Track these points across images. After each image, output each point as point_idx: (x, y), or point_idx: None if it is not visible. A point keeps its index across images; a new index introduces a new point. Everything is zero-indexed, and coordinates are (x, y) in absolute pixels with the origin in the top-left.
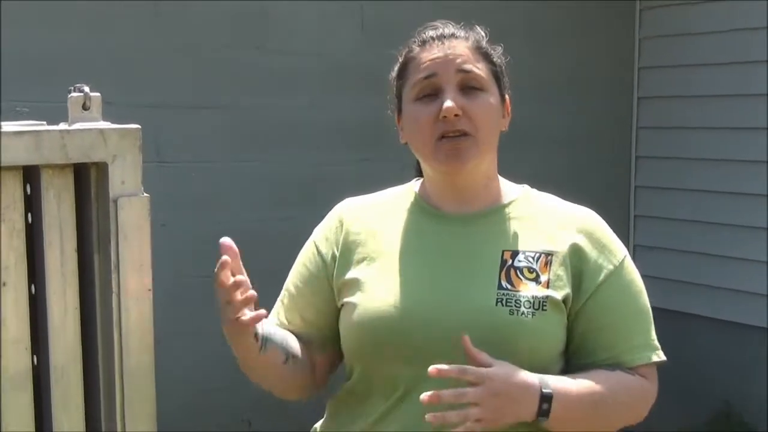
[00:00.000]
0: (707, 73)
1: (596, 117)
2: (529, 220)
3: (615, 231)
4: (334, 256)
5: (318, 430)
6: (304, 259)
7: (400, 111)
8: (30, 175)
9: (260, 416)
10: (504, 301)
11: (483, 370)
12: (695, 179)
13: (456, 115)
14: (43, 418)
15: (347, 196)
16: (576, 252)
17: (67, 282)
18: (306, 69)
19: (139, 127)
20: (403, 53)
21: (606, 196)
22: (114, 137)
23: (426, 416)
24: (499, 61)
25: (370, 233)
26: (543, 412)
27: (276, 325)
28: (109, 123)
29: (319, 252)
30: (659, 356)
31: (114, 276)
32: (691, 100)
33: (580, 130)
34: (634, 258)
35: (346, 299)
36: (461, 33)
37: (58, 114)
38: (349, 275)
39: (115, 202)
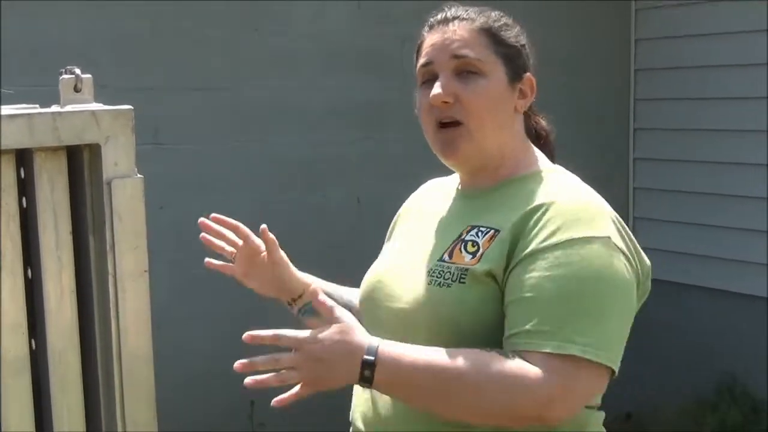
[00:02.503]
0: (704, 44)
1: (594, 90)
2: (509, 198)
3: (613, 205)
4: (390, 233)
5: None
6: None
7: None
8: (23, 158)
9: (263, 396)
10: (433, 272)
11: (301, 334)
12: (695, 151)
13: (446, 102)
14: (41, 402)
15: (346, 178)
16: (521, 223)
17: (63, 265)
18: (305, 50)
19: (132, 108)
20: (420, 35)
21: (605, 168)
22: (106, 119)
23: (245, 381)
24: (513, 41)
25: (414, 210)
26: (365, 378)
27: None
28: (101, 104)
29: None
30: (564, 348)
31: (110, 258)
32: (688, 71)
33: (578, 102)
34: (633, 230)
35: None
36: (466, 15)
37: (53, 98)
38: (384, 247)
39: (109, 183)
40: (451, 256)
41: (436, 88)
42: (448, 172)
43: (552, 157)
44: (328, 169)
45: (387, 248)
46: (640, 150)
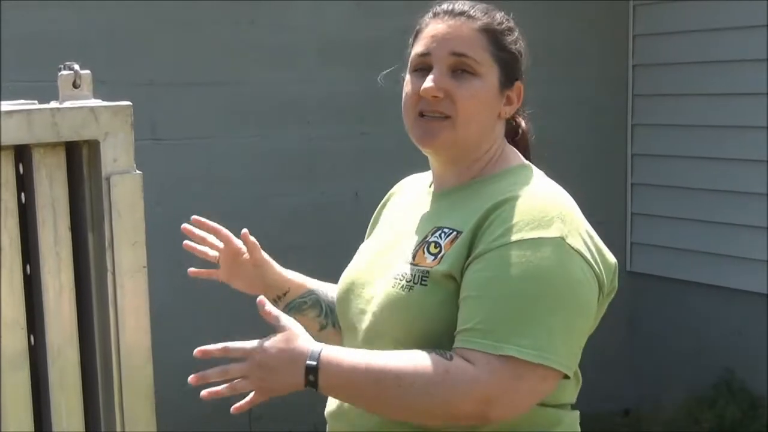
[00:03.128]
0: (702, 40)
1: (592, 85)
2: (473, 199)
3: (611, 200)
4: (369, 228)
5: None
6: None
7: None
8: (21, 154)
9: None
10: (399, 276)
11: (248, 345)
12: (693, 147)
13: (435, 97)
14: (40, 398)
15: (344, 171)
16: (476, 226)
17: (62, 261)
18: (301, 43)
19: (131, 104)
20: (420, 20)
21: (603, 164)
22: (105, 115)
23: (201, 393)
24: (512, 47)
25: (390, 208)
26: (310, 383)
27: None
28: (100, 101)
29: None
30: (500, 349)
31: (108, 254)
32: (686, 67)
33: (576, 98)
34: (631, 226)
35: None
36: (472, 12)
37: (51, 94)
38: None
39: (108, 179)
40: (415, 258)
41: (428, 81)
42: None
43: (527, 156)
44: (327, 163)
45: (362, 247)
46: (638, 146)
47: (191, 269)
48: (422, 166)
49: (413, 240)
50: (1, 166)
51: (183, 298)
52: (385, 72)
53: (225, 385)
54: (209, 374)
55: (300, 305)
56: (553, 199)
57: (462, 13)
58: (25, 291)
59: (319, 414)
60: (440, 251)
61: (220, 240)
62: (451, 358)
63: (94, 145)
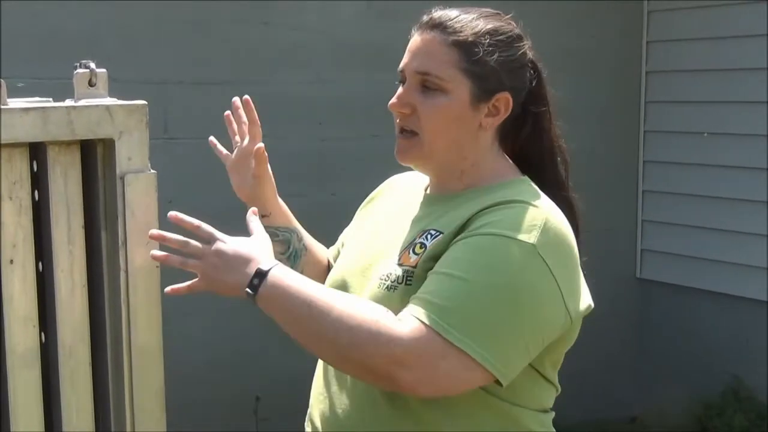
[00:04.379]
0: (715, 47)
1: (605, 92)
2: (464, 207)
3: (622, 207)
4: (354, 219)
5: None
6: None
7: None
8: (36, 151)
9: (269, 391)
10: (381, 276)
11: (216, 233)
12: (705, 154)
13: (402, 113)
14: (51, 395)
15: (355, 172)
16: (462, 227)
17: (75, 259)
18: (313, 44)
19: (146, 103)
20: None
21: (614, 171)
22: (120, 113)
23: (150, 253)
24: (490, 58)
25: (380, 206)
26: (252, 286)
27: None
28: (115, 99)
29: (356, 213)
30: (431, 321)
31: (121, 252)
32: (699, 74)
33: (588, 104)
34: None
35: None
36: (449, 23)
37: (65, 91)
38: (346, 236)
39: (122, 178)
40: (400, 258)
41: (394, 98)
42: None
43: (566, 175)
44: (338, 164)
45: (349, 243)
46: (649, 153)
47: (212, 138)
48: None
49: (401, 241)
50: (15, 163)
51: (194, 297)
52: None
53: (178, 256)
54: (169, 237)
55: (272, 234)
56: (545, 215)
57: (437, 26)
58: (37, 288)
59: None
60: (425, 251)
61: (249, 134)
62: (387, 313)
63: (109, 144)
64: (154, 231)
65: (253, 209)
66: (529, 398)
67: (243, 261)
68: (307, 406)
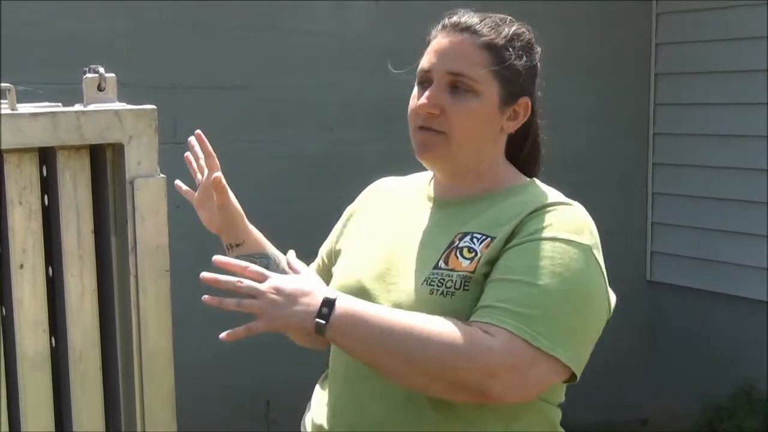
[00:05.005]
0: (725, 49)
1: (614, 93)
2: (501, 209)
3: (632, 209)
4: (342, 229)
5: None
6: (333, 229)
7: None
8: (46, 156)
9: (280, 396)
10: (429, 281)
11: (267, 271)
12: (715, 156)
13: (431, 113)
14: (61, 400)
15: (366, 176)
16: (516, 229)
17: (85, 264)
18: (322, 48)
19: (155, 107)
20: (432, 29)
21: (624, 173)
22: (130, 118)
23: (203, 297)
24: (517, 62)
25: (376, 211)
26: (322, 316)
27: None
28: (124, 104)
29: (339, 224)
30: (522, 331)
31: (131, 257)
32: (709, 76)
33: (598, 106)
34: (652, 235)
35: (334, 267)
36: (478, 27)
37: (74, 96)
38: (339, 245)
39: (132, 183)
40: (447, 263)
41: (423, 98)
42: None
43: (537, 169)
44: (347, 167)
45: (350, 250)
46: (659, 155)
47: (177, 182)
48: None
49: (435, 246)
50: (24, 168)
51: (201, 301)
52: (402, 71)
53: (234, 299)
54: (222, 279)
55: (248, 262)
56: (585, 214)
57: (467, 28)
58: (47, 293)
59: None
60: (476, 255)
61: (207, 166)
62: (470, 326)
63: (118, 148)
64: (206, 275)
65: (291, 251)
66: (554, 393)
67: (304, 294)
68: None
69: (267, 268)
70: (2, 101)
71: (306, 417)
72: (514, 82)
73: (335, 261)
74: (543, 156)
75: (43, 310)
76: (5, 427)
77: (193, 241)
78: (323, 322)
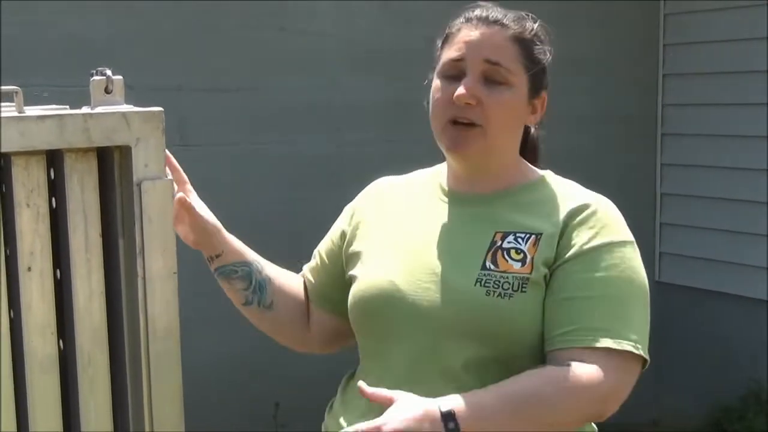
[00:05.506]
0: (732, 49)
1: (622, 94)
2: (532, 203)
3: (640, 210)
4: (350, 229)
5: (333, 406)
6: (332, 228)
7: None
8: (53, 159)
9: (288, 397)
10: (483, 282)
11: (376, 420)
12: (723, 157)
13: (468, 104)
14: (69, 402)
15: (372, 178)
16: (563, 228)
17: (92, 266)
18: (328, 49)
19: (162, 110)
20: (450, 24)
21: (632, 173)
22: (137, 120)
23: None
24: (541, 57)
25: (388, 210)
26: (452, 430)
27: (301, 278)
28: (131, 106)
29: (341, 223)
30: (619, 344)
31: (139, 260)
32: (717, 77)
33: (605, 107)
34: (660, 236)
35: (350, 272)
36: (506, 21)
37: (80, 98)
38: (354, 248)
39: (139, 185)
40: (496, 264)
41: (462, 88)
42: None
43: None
44: (351, 169)
45: (371, 251)
46: (667, 155)
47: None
48: None
49: (469, 245)
50: (32, 171)
51: (211, 303)
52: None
53: None
54: None
55: (230, 272)
56: (614, 206)
57: (496, 22)
58: (55, 296)
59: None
60: (525, 256)
61: (175, 181)
62: (569, 366)
63: (125, 151)
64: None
65: (360, 385)
66: None
67: (420, 420)
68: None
69: (250, 275)
70: (10, 104)
71: (336, 419)
72: (539, 76)
73: (351, 264)
74: (542, 150)
75: (51, 313)
76: (14, 430)
77: None
78: None
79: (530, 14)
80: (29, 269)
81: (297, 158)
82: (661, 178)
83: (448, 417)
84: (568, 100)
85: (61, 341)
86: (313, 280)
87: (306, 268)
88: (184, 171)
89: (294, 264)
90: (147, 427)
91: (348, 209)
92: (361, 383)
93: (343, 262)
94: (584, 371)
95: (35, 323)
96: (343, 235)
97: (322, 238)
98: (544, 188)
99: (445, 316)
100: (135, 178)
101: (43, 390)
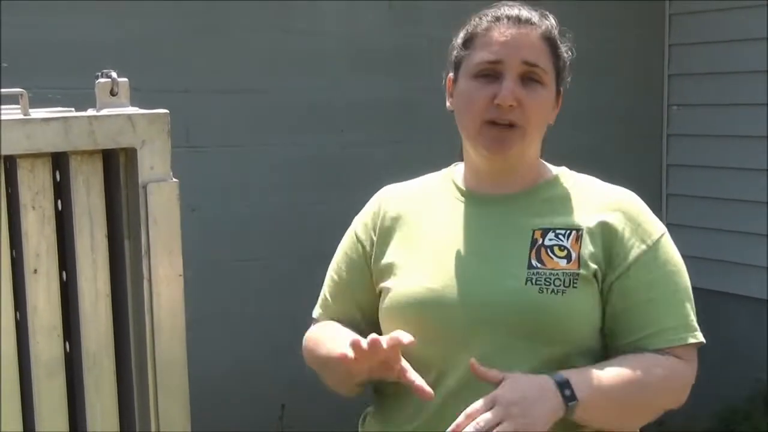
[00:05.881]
0: (738, 50)
1: (627, 95)
2: (561, 199)
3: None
4: (372, 242)
5: (368, 417)
6: (346, 247)
7: (455, 78)
8: (59, 161)
9: (294, 399)
10: (534, 280)
11: (489, 396)
12: (729, 157)
13: (510, 106)
14: (76, 404)
15: (377, 179)
16: (606, 228)
17: (98, 268)
18: (334, 51)
19: (168, 112)
20: (473, 23)
21: (638, 174)
22: (142, 122)
23: None
24: (564, 55)
25: (407, 218)
26: (569, 398)
27: (325, 316)
28: (137, 108)
29: (358, 239)
30: (696, 338)
31: (145, 262)
32: (722, 77)
33: (611, 107)
34: None
35: (382, 284)
36: (536, 20)
37: (85, 101)
38: (386, 260)
39: (145, 187)
40: (542, 262)
41: (506, 91)
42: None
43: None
44: (358, 170)
45: (403, 261)
46: (673, 156)
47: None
48: None
49: (507, 244)
50: (37, 173)
51: (216, 305)
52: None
53: None
54: (461, 425)
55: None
56: (637, 196)
57: (528, 21)
58: (61, 298)
59: (355, 426)
60: (569, 252)
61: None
62: (668, 359)
63: (131, 153)
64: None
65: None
66: None
67: (536, 390)
68: (332, 413)
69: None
70: (15, 106)
71: (378, 425)
72: (563, 74)
73: (382, 277)
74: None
75: (57, 315)
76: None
77: (206, 245)
78: (574, 401)
79: (543, 10)
80: (35, 271)
81: (302, 159)
82: (666, 179)
83: (564, 385)
84: (572, 99)
85: (67, 343)
86: (353, 314)
87: (328, 308)
88: (190, 173)
89: (297, 262)
90: (153, 429)
91: (360, 222)
92: (473, 360)
93: (369, 276)
94: (680, 364)
95: (41, 325)
96: (364, 248)
97: (325, 238)
98: (567, 183)
99: (502, 319)
100: (140, 181)
101: (49, 392)
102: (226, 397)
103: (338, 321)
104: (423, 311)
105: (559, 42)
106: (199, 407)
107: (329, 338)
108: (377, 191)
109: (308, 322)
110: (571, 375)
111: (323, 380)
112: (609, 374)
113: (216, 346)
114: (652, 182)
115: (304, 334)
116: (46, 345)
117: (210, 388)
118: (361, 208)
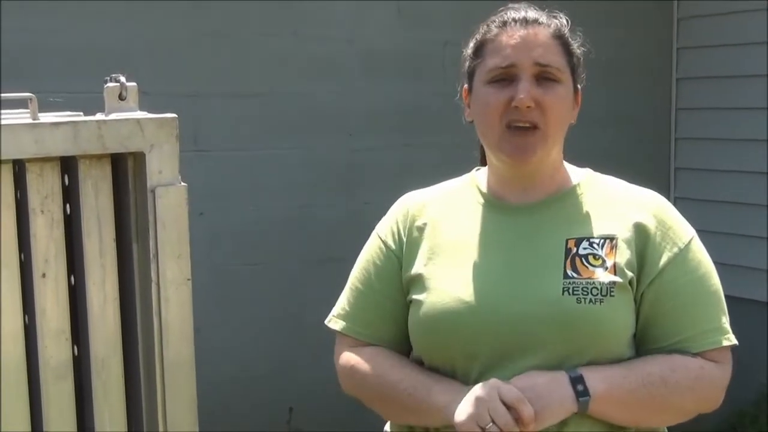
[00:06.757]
0: (745, 54)
1: (635, 98)
2: (592, 206)
3: None
4: (401, 250)
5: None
6: (372, 255)
7: (470, 88)
8: (68, 166)
9: (302, 402)
10: (571, 290)
11: (498, 390)
12: (737, 161)
13: (528, 107)
14: (84, 408)
15: (386, 183)
16: (639, 233)
17: (107, 272)
18: (344, 55)
19: (176, 116)
20: (481, 31)
21: (646, 178)
22: (151, 127)
23: None
24: (577, 51)
25: (434, 227)
26: (581, 393)
27: (352, 329)
28: (145, 113)
29: (386, 246)
30: (729, 340)
31: (153, 265)
32: (730, 81)
33: (619, 111)
34: None
35: (412, 296)
36: (544, 19)
37: (94, 105)
38: (415, 270)
39: (153, 191)
40: (577, 271)
41: (522, 93)
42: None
43: None
44: (369, 175)
45: (434, 272)
46: (681, 159)
47: None
48: None
49: (540, 253)
50: (47, 177)
51: (224, 308)
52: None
53: None
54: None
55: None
56: (665, 199)
57: (535, 21)
58: (69, 302)
59: (361, 427)
60: (604, 261)
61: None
62: (697, 359)
63: (139, 157)
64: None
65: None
66: None
67: (547, 380)
68: (340, 415)
69: None
70: (24, 110)
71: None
72: (578, 71)
73: (412, 288)
74: None
75: (65, 319)
76: None
77: (214, 249)
78: (587, 396)
79: (550, 9)
80: (44, 275)
81: (312, 163)
82: (675, 182)
83: (578, 380)
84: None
85: (75, 347)
86: (383, 326)
87: (356, 320)
88: (198, 177)
89: (305, 266)
90: (161, 431)
91: (383, 232)
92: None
93: (400, 285)
94: (710, 365)
95: (50, 329)
96: (395, 257)
97: (335, 242)
98: (595, 187)
99: (540, 330)
100: (149, 184)
101: (57, 395)
102: (234, 399)
103: (367, 336)
104: (457, 325)
105: (570, 39)
106: (207, 410)
107: (416, 378)
108: (386, 195)
109: (324, 331)
110: (587, 371)
111: (375, 407)
112: (629, 372)
113: (224, 350)
114: (659, 186)
115: (311, 338)
116: (55, 349)
117: (218, 391)
118: (370, 213)
